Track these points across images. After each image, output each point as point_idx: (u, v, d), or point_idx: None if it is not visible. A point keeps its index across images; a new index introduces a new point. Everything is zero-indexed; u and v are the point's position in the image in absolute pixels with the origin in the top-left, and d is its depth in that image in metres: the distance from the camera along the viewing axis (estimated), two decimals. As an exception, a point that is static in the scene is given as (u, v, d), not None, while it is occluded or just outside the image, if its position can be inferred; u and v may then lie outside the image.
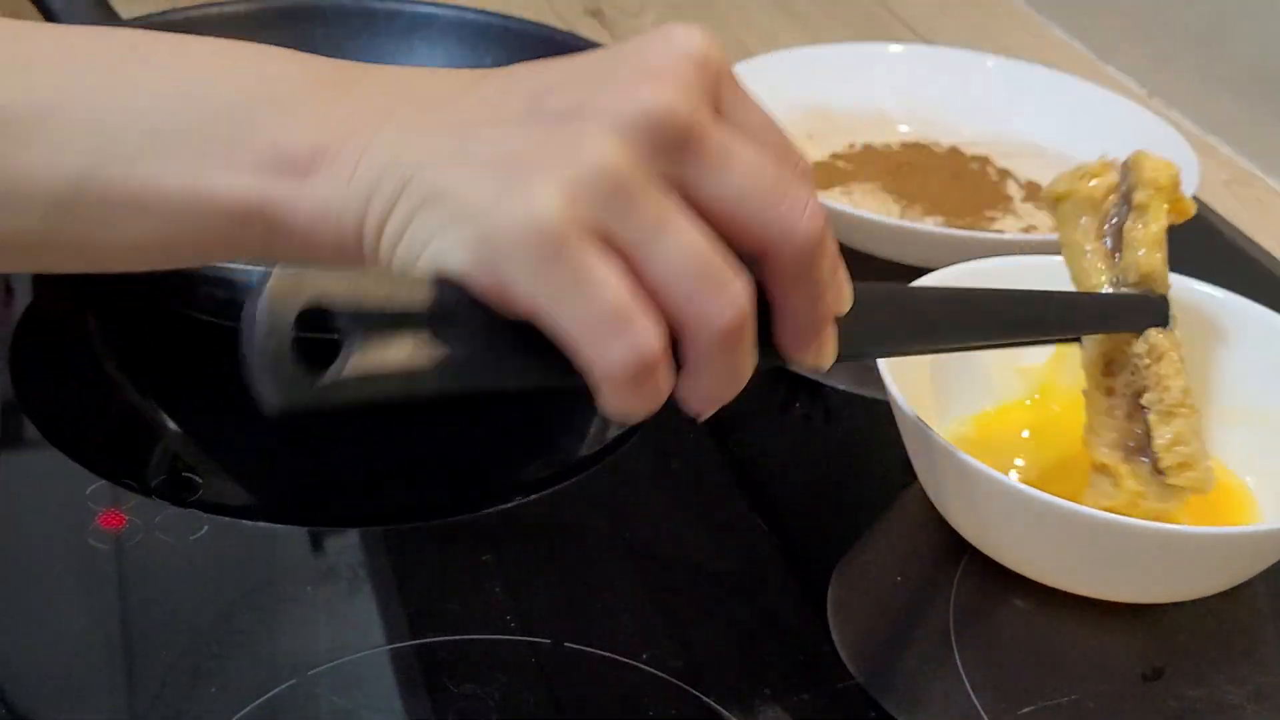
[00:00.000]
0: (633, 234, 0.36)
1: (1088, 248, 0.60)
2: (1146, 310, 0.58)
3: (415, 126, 0.38)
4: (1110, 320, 0.59)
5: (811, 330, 0.41)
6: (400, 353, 0.36)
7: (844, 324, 0.42)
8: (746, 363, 0.39)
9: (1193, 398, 0.58)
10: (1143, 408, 0.58)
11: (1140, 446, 0.58)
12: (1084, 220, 0.60)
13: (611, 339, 0.36)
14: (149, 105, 0.39)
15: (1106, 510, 0.54)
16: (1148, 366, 0.58)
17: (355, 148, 0.38)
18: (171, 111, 0.39)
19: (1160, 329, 0.58)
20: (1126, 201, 0.59)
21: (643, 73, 0.37)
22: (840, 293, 0.42)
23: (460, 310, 0.36)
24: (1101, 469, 0.59)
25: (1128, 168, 0.60)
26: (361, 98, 0.39)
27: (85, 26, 0.42)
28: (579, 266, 0.35)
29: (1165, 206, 0.59)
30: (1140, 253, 0.58)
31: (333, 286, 0.35)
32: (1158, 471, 0.57)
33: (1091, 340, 0.59)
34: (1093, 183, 0.60)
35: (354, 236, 0.38)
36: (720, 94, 0.39)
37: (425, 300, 0.36)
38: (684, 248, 0.37)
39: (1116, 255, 0.59)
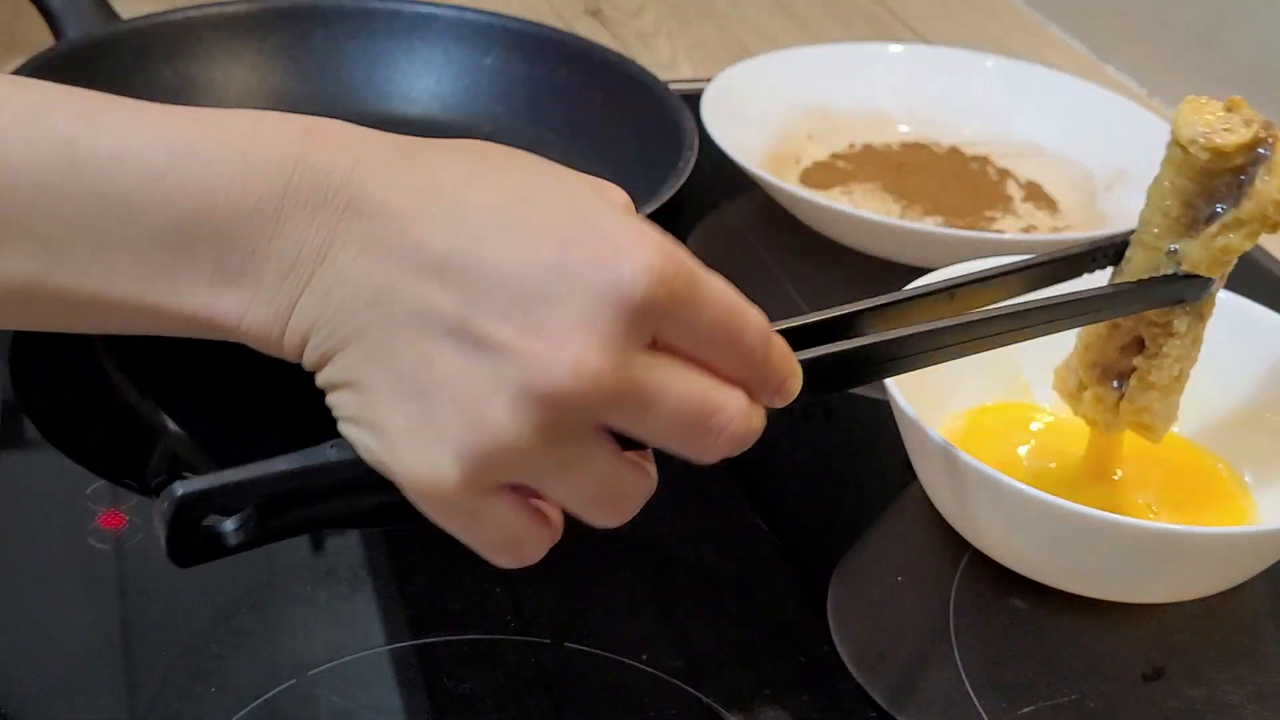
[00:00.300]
0: (530, 479, 0.39)
1: (1169, 210, 0.54)
2: (1179, 287, 0.55)
3: (349, 277, 0.38)
4: (1126, 306, 0.56)
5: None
6: (293, 522, 0.41)
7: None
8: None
9: (1184, 381, 0.57)
10: (1135, 359, 0.57)
11: (1117, 375, 0.58)
12: (1182, 182, 0.54)
13: (501, 556, 0.41)
14: (91, 221, 0.39)
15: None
16: (1156, 336, 0.56)
17: (293, 287, 0.39)
18: (116, 223, 0.39)
19: (1188, 306, 0.55)
20: (1233, 198, 0.53)
21: (573, 327, 0.36)
22: (784, 393, 0.42)
23: (356, 488, 0.40)
24: (1074, 373, 0.59)
25: (1263, 164, 0.53)
26: (300, 225, 0.39)
27: (16, 106, 0.41)
28: (471, 515, 0.39)
29: (1261, 233, 0.53)
30: (1203, 260, 0.54)
31: (234, 493, 0.40)
32: (1117, 407, 0.58)
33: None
34: (1214, 159, 0.53)
35: (294, 357, 0.40)
36: (666, 319, 0.38)
37: (323, 482, 0.40)
38: (582, 486, 0.39)
39: (1187, 236, 0.54)
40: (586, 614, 0.57)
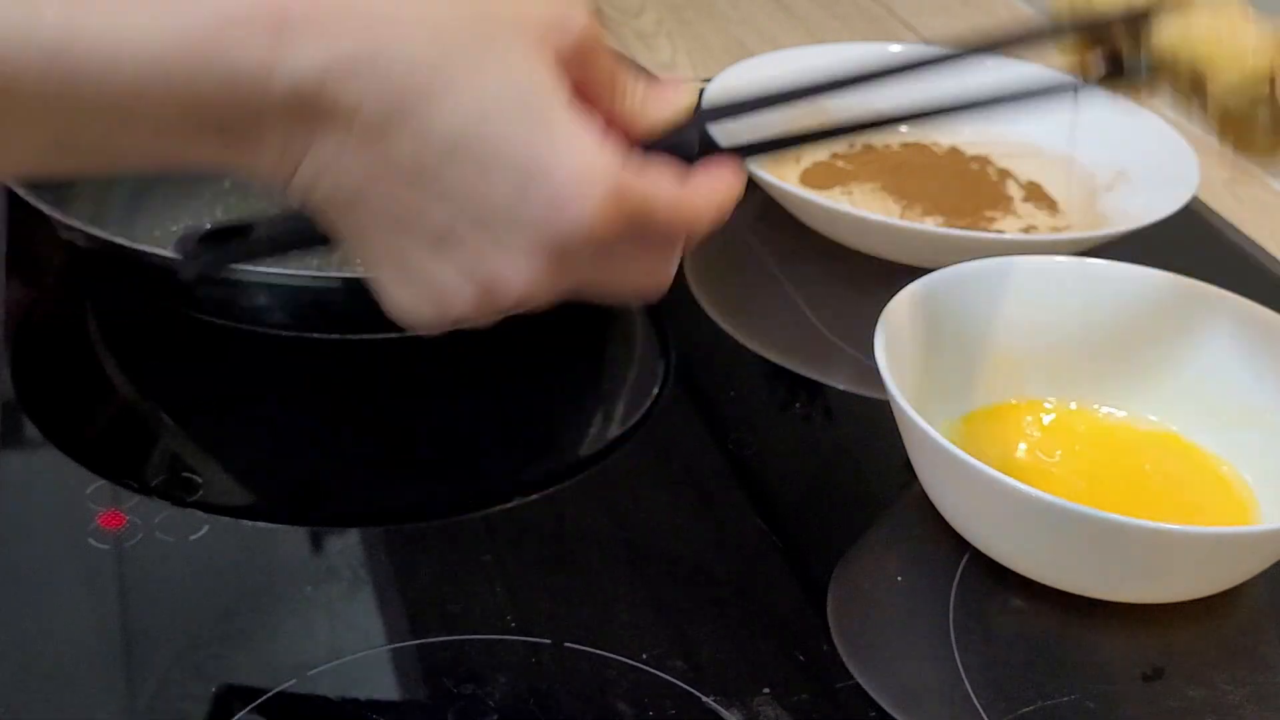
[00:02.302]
0: None
1: None
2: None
3: (331, 172, 0.43)
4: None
5: None
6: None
7: None
8: None
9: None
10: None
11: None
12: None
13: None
14: (93, 117, 0.41)
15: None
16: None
17: (287, 169, 0.43)
18: (116, 119, 0.41)
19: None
20: None
21: (527, 251, 0.44)
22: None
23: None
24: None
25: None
26: (280, 132, 0.42)
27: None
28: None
29: None
30: None
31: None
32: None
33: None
34: None
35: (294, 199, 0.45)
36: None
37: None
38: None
39: None
40: (586, 614, 0.57)
